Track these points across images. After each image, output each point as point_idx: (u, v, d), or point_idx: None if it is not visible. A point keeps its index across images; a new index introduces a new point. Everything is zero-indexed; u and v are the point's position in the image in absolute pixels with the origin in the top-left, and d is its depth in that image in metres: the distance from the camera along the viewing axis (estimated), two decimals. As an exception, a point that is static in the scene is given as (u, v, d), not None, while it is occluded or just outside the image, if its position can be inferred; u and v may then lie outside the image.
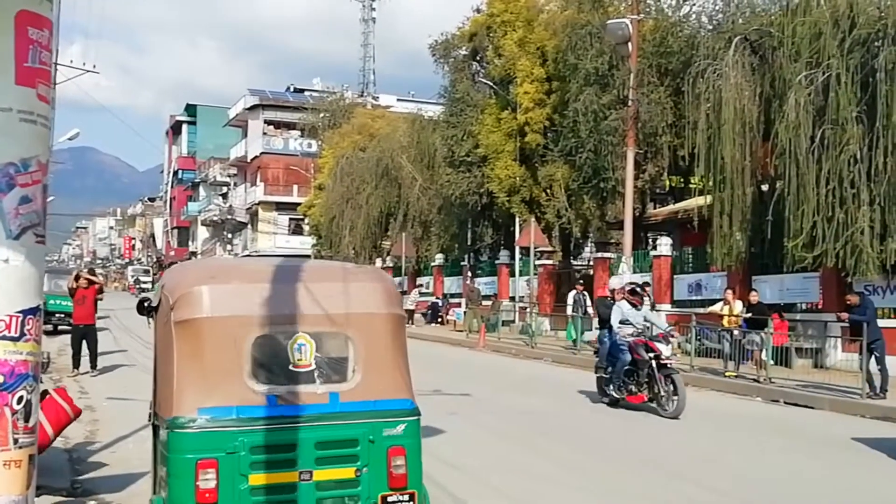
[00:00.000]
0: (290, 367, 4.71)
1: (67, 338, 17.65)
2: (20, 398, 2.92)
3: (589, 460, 9.51)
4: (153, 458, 5.20)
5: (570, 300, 24.28)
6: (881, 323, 15.69)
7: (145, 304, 5.30)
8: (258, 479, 4.46)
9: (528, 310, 28.79)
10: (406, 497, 4.79)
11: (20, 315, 2.91)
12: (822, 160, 18.05)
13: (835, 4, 18.56)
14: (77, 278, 16.92)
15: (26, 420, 2.94)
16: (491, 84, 32.22)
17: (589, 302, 23.70)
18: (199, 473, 4.37)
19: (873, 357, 14.38)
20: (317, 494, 4.58)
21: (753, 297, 18.13)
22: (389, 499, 4.72)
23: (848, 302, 15.41)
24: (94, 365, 16.45)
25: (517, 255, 31.55)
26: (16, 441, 2.90)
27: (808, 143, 18.29)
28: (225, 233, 70.16)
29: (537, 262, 29.97)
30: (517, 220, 31.20)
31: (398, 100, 64.76)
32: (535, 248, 27.63)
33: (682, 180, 28.16)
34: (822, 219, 17.92)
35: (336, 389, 4.78)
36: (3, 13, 2.86)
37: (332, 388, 4.77)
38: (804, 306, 20.67)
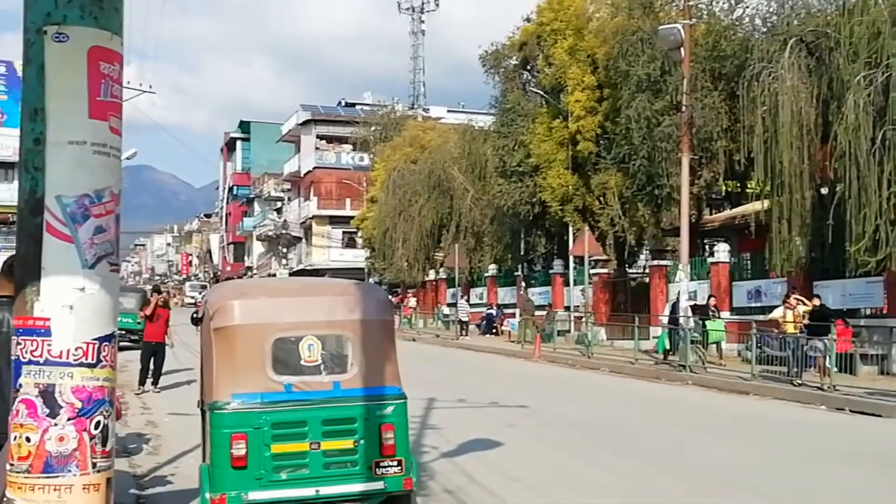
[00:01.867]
0: (302, 362, 6.05)
1: (128, 354, 18.03)
2: (97, 423, 3.00)
3: (649, 472, 9.40)
4: (202, 435, 6.42)
5: (667, 310, 23.29)
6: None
7: (194, 316, 6.74)
8: (278, 448, 5.80)
9: (583, 319, 28.58)
10: (395, 462, 6.06)
11: (96, 342, 2.99)
12: (884, 162, 17.64)
13: (893, 3, 18.16)
14: (158, 292, 17.52)
15: (103, 444, 3.01)
16: (542, 93, 32.15)
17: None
18: (232, 444, 5.70)
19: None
20: (323, 460, 5.89)
21: (816, 303, 17.80)
22: (381, 464, 6.01)
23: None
24: (156, 382, 16.75)
25: (571, 265, 31.37)
26: (94, 465, 2.98)
27: (868, 144, 17.90)
28: (280, 247, 70.93)
29: (591, 271, 29.75)
30: (570, 229, 31.05)
31: (448, 111, 64.96)
32: (589, 256, 27.45)
33: (738, 185, 27.78)
34: (885, 222, 17.50)
35: (338, 379, 6.09)
36: (77, 50, 2.96)
37: (334, 378, 6.08)
38: (868, 311, 20.19)
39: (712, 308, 21.66)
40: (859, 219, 17.83)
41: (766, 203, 21.01)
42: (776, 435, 12.19)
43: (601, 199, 29.68)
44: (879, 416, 13.84)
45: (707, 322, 20.93)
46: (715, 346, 21.52)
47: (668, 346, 21.84)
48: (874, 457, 10.54)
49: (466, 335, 34.98)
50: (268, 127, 78.20)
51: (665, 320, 22.91)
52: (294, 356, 6.08)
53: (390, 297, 52.63)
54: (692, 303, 22.04)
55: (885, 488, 8.78)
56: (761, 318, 20.18)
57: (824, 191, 20.56)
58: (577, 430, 12.39)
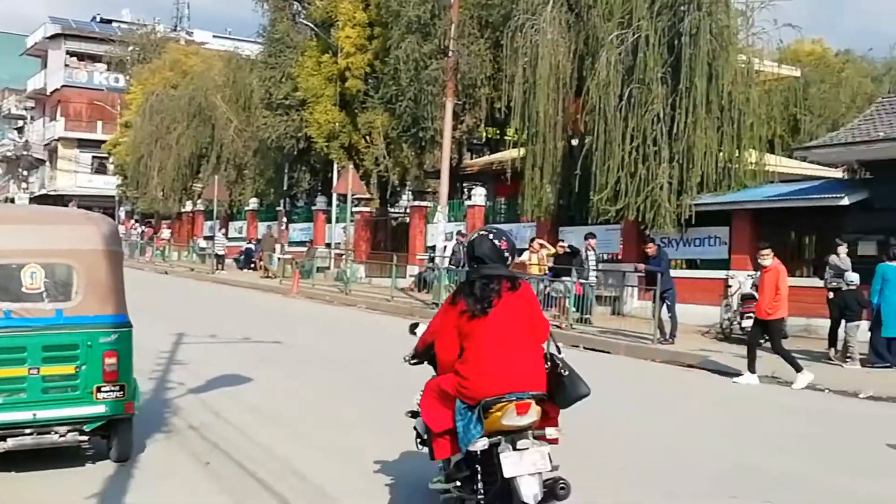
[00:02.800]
0: (23, 290, 6.12)
1: None
2: None
3: (389, 403, 9.57)
4: None
5: (448, 250, 22.56)
6: (674, 273, 16.73)
7: None
8: None
9: (343, 256, 28.67)
10: (117, 388, 6.32)
11: None
12: (629, 118, 18.86)
13: (646, -32, 19.27)
14: None
15: None
16: (312, 26, 31.42)
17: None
18: None
19: (665, 305, 15.32)
20: (42, 385, 6.08)
21: (560, 248, 18.82)
22: (103, 388, 6.25)
23: (647, 252, 16.28)
24: None
25: (334, 202, 31.25)
26: None
27: (616, 101, 19.04)
28: (20, 170, 65.38)
29: (354, 210, 29.84)
30: (335, 166, 30.85)
31: (214, 36, 62.08)
32: (352, 195, 27.45)
33: (498, 132, 28.71)
34: (626, 174, 18.79)
35: (61, 307, 6.21)
36: None
37: (57, 306, 6.20)
38: (606, 256, 21.67)
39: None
40: (604, 170, 19.02)
41: (522, 151, 21.85)
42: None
43: (367, 137, 29.66)
44: (608, 353, 14.98)
45: None
46: None
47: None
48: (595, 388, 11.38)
49: (223, 269, 34.06)
50: (10, 38, 70.89)
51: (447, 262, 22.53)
52: (15, 283, 6.12)
53: (142, 228, 50.08)
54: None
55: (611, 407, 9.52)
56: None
57: (575, 142, 21.68)
58: (329, 365, 12.40)
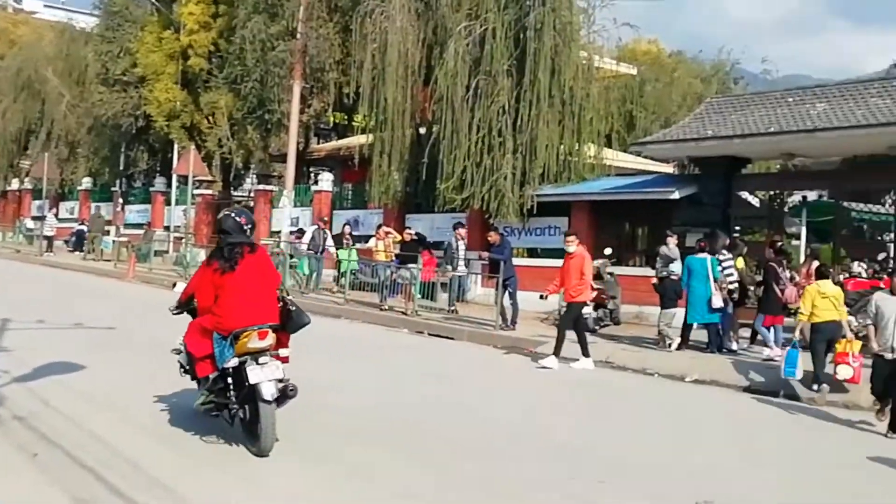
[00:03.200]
0: None
1: None
2: None
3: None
4: None
5: (308, 236, 21.78)
6: (516, 262, 17.20)
7: None
8: None
9: (183, 240, 27.76)
10: None
11: None
12: (476, 109, 19.20)
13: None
14: None
15: None
16: (153, 0, 30.19)
17: (331, 241, 21.45)
18: None
19: (507, 292, 15.72)
20: None
21: (407, 235, 18.96)
22: None
23: (489, 240, 16.64)
24: None
25: (174, 184, 30.22)
26: None
27: (463, 91, 19.34)
28: None
29: (195, 192, 28.91)
30: (176, 146, 29.86)
31: (46, 6, 58.79)
32: (193, 176, 26.58)
33: (346, 118, 28.60)
34: (472, 164, 19.14)
35: None
36: None
37: None
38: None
39: (347, 237, 20.99)
40: (451, 159, 19.30)
41: (370, 137, 21.87)
42: (364, 353, 12.86)
43: (210, 118, 28.81)
44: (452, 339, 15.25)
45: (340, 251, 20.52)
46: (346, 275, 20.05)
47: (307, 271, 21.00)
48: (441, 375, 11.62)
49: (52, 252, 32.25)
50: None
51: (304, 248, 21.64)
52: None
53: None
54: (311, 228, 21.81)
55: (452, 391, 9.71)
56: (360, 246, 21.07)
57: (423, 130, 21.87)
58: (161, 351, 11.97)
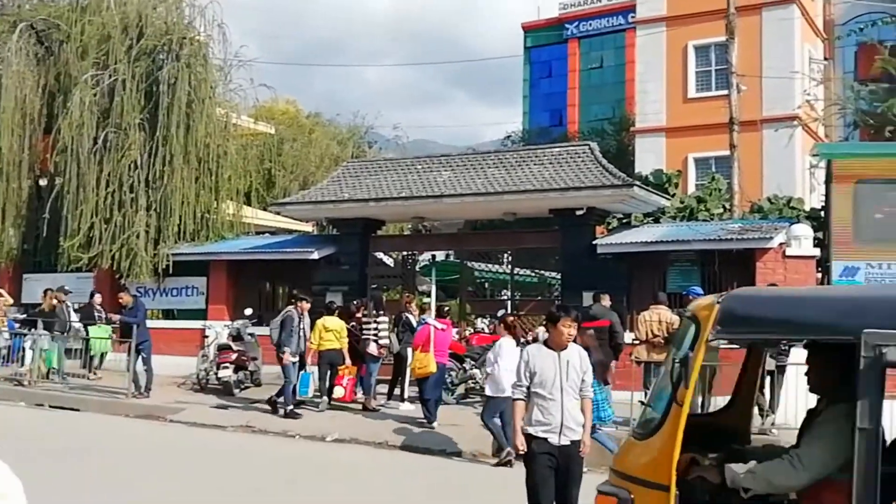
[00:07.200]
0: None
1: None
2: None
3: None
4: None
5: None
6: (150, 324, 16.27)
7: None
8: None
9: None
10: None
11: None
12: (104, 162, 18.22)
13: (124, 11, 18.98)
14: None
15: None
16: None
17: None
18: None
19: (141, 357, 14.80)
20: None
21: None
22: None
23: (120, 302, 15.60)
24: None
25: None
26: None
27: (91, 143, 18.28)
28: None
29: None
30: None
31: None
32: None
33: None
34: (101, 220, 18.05)
35: None
36: None
37: None
38: (77, 305, 20.26)
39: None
40: (76, 215, 18.05)
41: (-19, 190, 19.72)
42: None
43: None
44: (78, 410, 14.00)
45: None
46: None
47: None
48: (74, 450, 10.59)
49: None
50: None
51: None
52: None
53: None
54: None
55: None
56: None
57: (43, 183, 20.25)
58: None
